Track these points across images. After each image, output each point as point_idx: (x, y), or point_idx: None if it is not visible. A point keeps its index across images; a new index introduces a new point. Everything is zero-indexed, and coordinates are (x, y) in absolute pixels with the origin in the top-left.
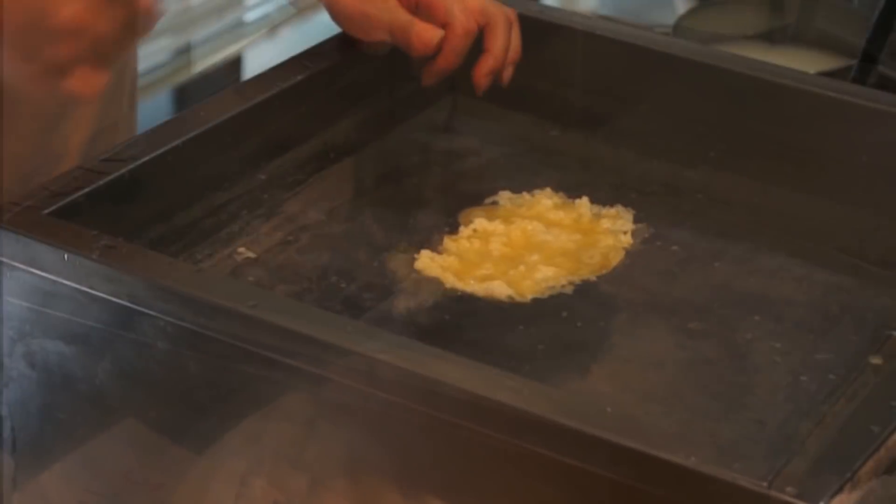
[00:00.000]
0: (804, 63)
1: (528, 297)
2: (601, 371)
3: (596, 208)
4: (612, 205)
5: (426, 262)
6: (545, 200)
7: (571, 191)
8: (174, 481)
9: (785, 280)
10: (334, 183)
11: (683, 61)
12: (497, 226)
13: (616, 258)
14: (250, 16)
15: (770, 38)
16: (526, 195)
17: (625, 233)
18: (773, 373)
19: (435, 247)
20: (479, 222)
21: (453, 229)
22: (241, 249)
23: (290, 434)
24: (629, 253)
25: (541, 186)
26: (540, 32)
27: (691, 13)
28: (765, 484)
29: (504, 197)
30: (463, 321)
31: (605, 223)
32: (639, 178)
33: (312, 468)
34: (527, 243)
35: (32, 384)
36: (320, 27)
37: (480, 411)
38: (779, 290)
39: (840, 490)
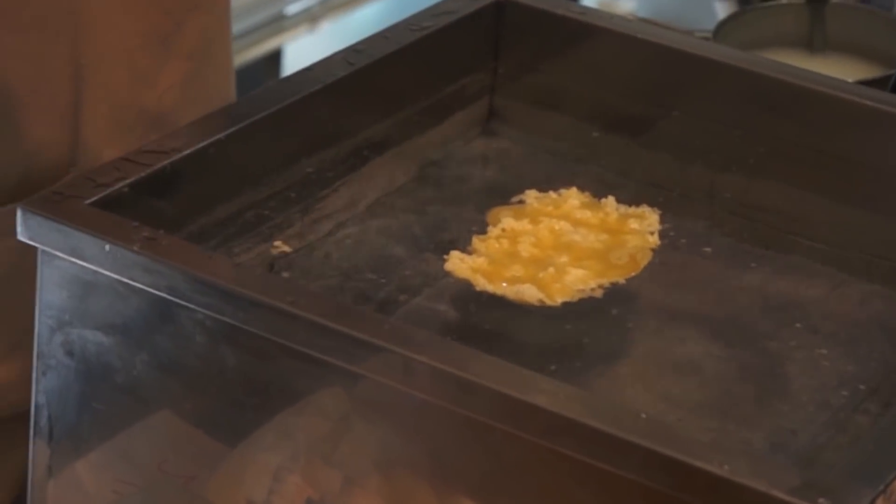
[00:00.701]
0: (843, 71)
1: (558, 300)
2: (635, 376)
3: (622, 208)
4: (639, 205)
5: (456, 262)
6: (572, 199)
7: (604, 192)
8: (207, 474)
9: (820, 288)
10: (372, 180)
11: (723, 66)
12: (525, 225)
13: (644, 259)
14: (291, 9)
15: (810, 45)
16: (552, 194)
17: (651, 233)
18: (807, 382)
19: (464, 246)
20: (507, 222)
21: (481, 229)
22: (279, 244)
23: (325, 430)
24: (659, 256)
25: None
26: (581, 34)
27: (732, 18)
28: (798, 494)
29: (531, 196)
30: (493, 324)
31: (633, 223)
32: (675, 182)
33: (346, 465)
34: (555, 243)
35: (70, 373)
36: (361, 21)
37: (515, 413)
38: (813, 299)
39: (873, 502)
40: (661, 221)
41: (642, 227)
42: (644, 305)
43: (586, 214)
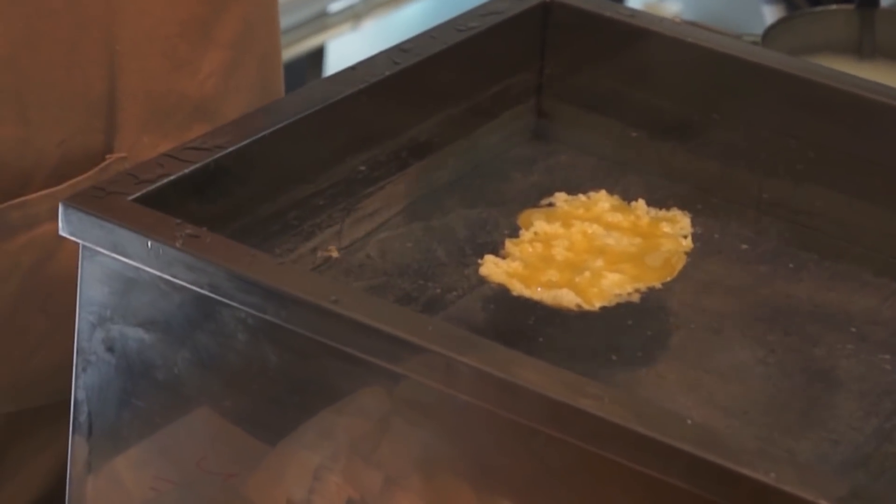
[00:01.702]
0: (893, 78)
1: (596, 305)
2: (680, 382)
3: (653, 211)
4: (668, 208)
5: (491, 267)
6: (602, 203)
7: (650, 196)
8: (247, 472)
9: (869, 297)
10: (415, 181)
11: (771, 71)
12: (557, 229)
13: (679, 263)
14: (334, 7)
15: (859, 51)
16: (582, 197)
17: (685, 236)
18: (854, 391)
19: (497, 250)
20: (539, 225)
21: (513, 232)
22: (322, 243)
23: (366, 430)
24: (704, 261)
25: (617, 192)
26: (629, 37)
27: (780, 23)
28: None
29: (560, 199)
30: (532, 329)
31: (665, 227)
32: (722, 187)
33: (387, 466)
34: (589, 247)
35: (110, 369)
36: (404, 19)
37: (560, 417)
38: (862, 307)
39: None
40: (707, 226)
41: (674, 230)
42: (688, 310)
43: (617, 217)
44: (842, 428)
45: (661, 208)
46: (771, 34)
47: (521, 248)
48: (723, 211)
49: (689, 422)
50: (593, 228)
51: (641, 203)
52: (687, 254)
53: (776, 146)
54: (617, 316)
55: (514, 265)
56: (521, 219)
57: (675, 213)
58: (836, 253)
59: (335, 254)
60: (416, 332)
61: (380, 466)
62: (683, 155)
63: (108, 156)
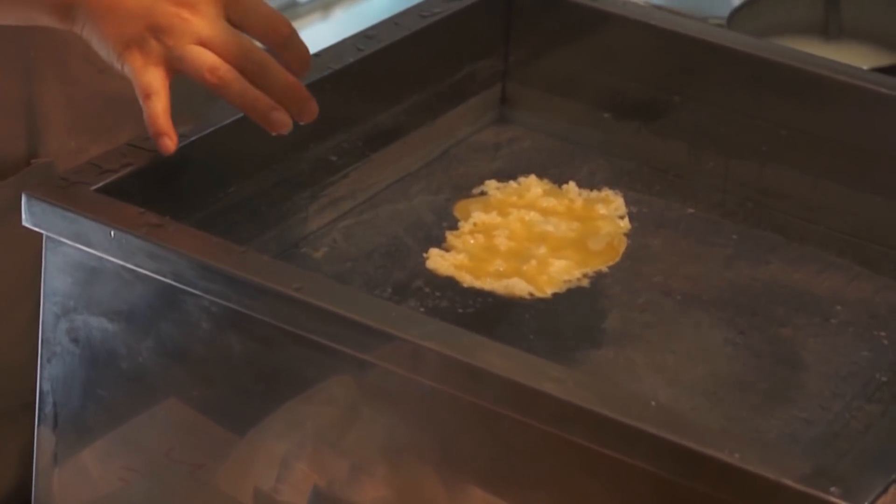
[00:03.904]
0: (858, 58)
1: (548, 292)
2: (647, 364)
3: (585, 192)
4: (600, 189)
5: (437, 261)
6: (534, 188)
7: (616, 179)
8: (215, 462)
9: (833, 278)
10: (380, 167)
11: (737, 53)
12: (495, 218)
13: (621, 245)
14: None
15: (825, 32)
16: (513, 184)
17: (621, 217)
18: (820, 371)
19: (439, 243)
20: (477, 215)
21: (451, 224)
22: (288, 231)
23: (332, 418)
24: (670, 242)
25: (583, 175)
26: (593, 20)
27: (746, 5)
28: (808, 483)
29: (491, 186)
30: (489, 320)
31: (600, 208)
32: (688, 169)
33: (353, 453)
34: (529, 234)
35: (75, 360)
36: (373, 9)
37: (524, 400)
38: (828, 288)
39: (885, 491)
40: (672, 208)
41: (610, 211)
42: (650, 293)
43: (551, 202)
44: (811, 407)
45: (591, 189)
46: (737, 16)
47: (463, 240)
48: (688, 192)
49: (653, 403)
50: (530, 216)
51: (573, 185)
52: (626, 234)
53: (741, 127)
54: (571, 301)
55: (460, 257)
56: (458, 210)
57: (607, 192)
58: (801, 234)
59: (296, 235)
60: (380, 318)
61: (346, 453)
62: (649, 137)
63: (32, 161)
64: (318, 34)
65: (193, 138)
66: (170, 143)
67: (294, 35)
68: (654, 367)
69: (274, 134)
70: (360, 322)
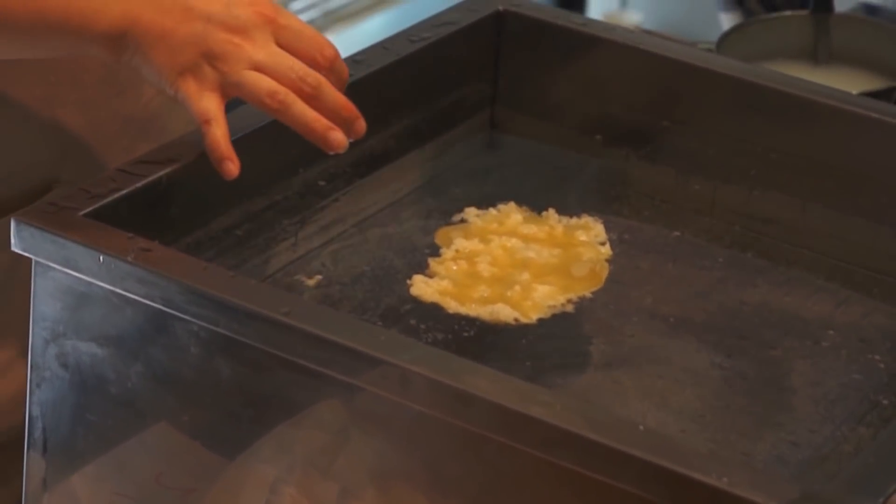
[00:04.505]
0: (847, 83)
1: (533, 317)
2: (635, 388)
3: (565, 220)
4: (579, 216)
5: (422, 287)
6: (514, 215)
7: (605, 204)
8: (204, 486)
9: (822, 302)
10: (369, 192)
11: (726, 78)
12: (476, 245)
13: (603, 271)
14: None
15: (814, 56)
16: (492, 211)
17: (602, 244)
18: (809, 394)
19: (422, 269)
20: (459, 242)
21: (433, 251)
22: (277, 256)
23: (321, 442)
24: (657, 266)
25: (570, 202)
26: (582, 45)
27: (735, 30)
28: None
29: (471, 213)
30: (476, 345)
31: (580, 235)
32: (677, 194)
33: (342, 477)
34: (511, 261)
35: (64, 385)
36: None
37: (512, 425)
38: (816, 312)
39: None
40: (661, 233)
41: (590, 237)
42: (640, 317)
43: (532, 229)
44: (799, 431)
45: (571, 216)
46: (726, 41)
47: (446, 267)
48: (676, 217)
49: (641, 427)
50: (512, 242)
51: (552, 213)
52: (609, 260)
53: (730, 152)
54: (557, 327)
55: (444, 284)
56: (439, 237)
57: (587, 219)
58: (789, 258)
59: (286, 260)
60: (369, 342)
61: (336, 478)
62: (637, 162)
63: (55, 185)
64: None
65: (182, 163)
66: (233, 168)
67: (338, 57)
68: (642, 392)
69: (331, 153)
70: (348, 346)
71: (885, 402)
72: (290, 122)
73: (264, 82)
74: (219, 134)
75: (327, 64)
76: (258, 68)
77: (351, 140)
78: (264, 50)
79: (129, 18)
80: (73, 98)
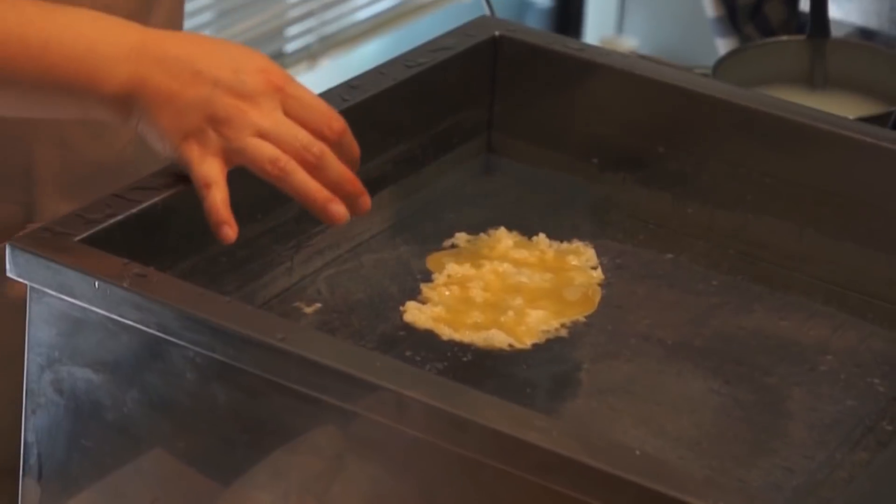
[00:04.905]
0: (843, 108)
1: (528, 342)
2: (632, 414)
3: (556, 244)
4: (570, 240)
5: (415, 313)
6: (504, 240)
7: (602, 229)
8: None
9: (819, 327)
10: (365, 217)
11: (722, 103)
12: (468, 270)
13: (596, 296)
14: (290, 47)
15: (810, 81)
16: (483, 236)
17: (594, 268)
18: (805, 420)
19: (415, 295)
20: (451, 267)
21: (426, 276)
22: (273, 281)
23: (317, 468)
24: (653, 292)
25: (566, 226)
26: (578, 70)
27: (732, 55)
28: None
29: (462, 239)
30: (471, 372)
31: (571, 259)
32: (673, 219)
33: (338, 503)
34: (504, 286)
35: (60, 411)
36: (361, 59)
37: (508, 450)
38: (812, 337)
39: None
40: (657, 259)
41: (581, 262)
42: (636, 342)
43: (523, 254)
44: (794, 457)
45: (563, 241)
46: (722, 66)
47: (438, 292)
48: (672, 242)
49: (638, 453)
50: (504, 267)
51: (543, 237)
52: (602, 285)
53: (726, 177)
54: (551, 352)
55: (437, 310)
56: (431, 262)
57: (578, 244)
58: (785, 283)
59: (281, 286)
60: (365, 368)
61: (331, 503)
62: (633, 187)
63: (28, 224)
64: (304, 84)
65: (177, 188)
66: (230, 233)
67: (347, 131)
68: (638, 418)
69: (330, 225)
70: (344, 372)
71: (881, 427)
72: (291, 190)
73: (267, 149)
74: (218, 198)
75: (335, 137)
76: (262, 135)
77: (354, 216)
78: (270, 117)
79: (138, 80)
80: (49, 139)
